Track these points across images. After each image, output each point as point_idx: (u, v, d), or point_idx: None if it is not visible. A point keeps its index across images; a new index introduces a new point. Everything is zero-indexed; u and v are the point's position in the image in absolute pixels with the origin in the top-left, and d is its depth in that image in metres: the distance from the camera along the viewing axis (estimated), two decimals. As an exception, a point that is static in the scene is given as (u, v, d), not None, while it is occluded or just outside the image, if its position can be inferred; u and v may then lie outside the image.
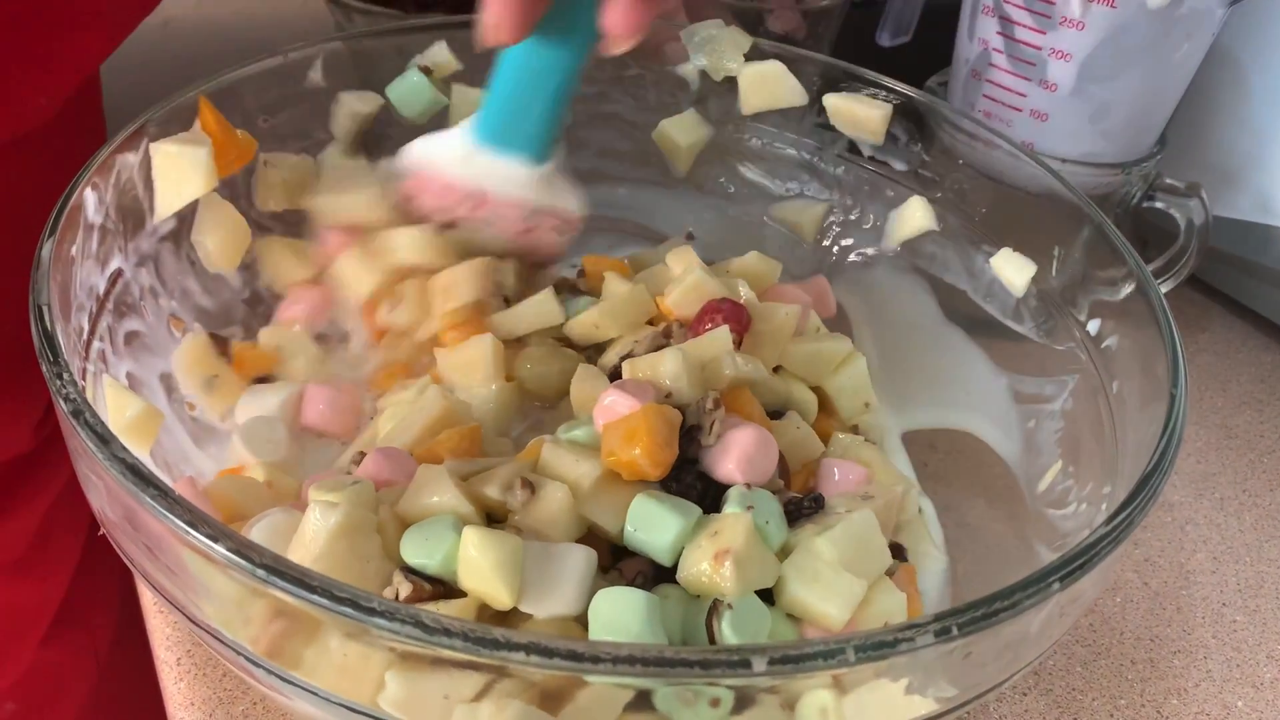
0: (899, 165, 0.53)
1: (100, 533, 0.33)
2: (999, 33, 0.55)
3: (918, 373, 0.51)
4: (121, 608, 0.64)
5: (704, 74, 0.54)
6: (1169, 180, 0.58)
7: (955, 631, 0.27)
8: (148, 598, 0.45)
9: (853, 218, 0.56)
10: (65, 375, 0.30)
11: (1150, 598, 0.50)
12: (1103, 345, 0.43)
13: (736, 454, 0.38)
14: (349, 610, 0.25)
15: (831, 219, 0.56)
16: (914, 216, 0.53)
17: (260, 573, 0.26)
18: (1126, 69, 0.53)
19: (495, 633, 0.26)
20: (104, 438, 0.28)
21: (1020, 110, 0.56)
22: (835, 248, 0.56)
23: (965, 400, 0.50)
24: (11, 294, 0.50)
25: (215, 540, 0.26)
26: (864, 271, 0.55)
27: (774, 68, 0.52)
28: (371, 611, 0.25)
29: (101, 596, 0.63)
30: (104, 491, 0.30)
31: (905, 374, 0.51)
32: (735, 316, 0.44)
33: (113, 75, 0.63)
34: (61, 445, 0.58)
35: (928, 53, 0.63)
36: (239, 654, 0.29)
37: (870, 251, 0.55)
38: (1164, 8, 0.50)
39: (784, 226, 0.57)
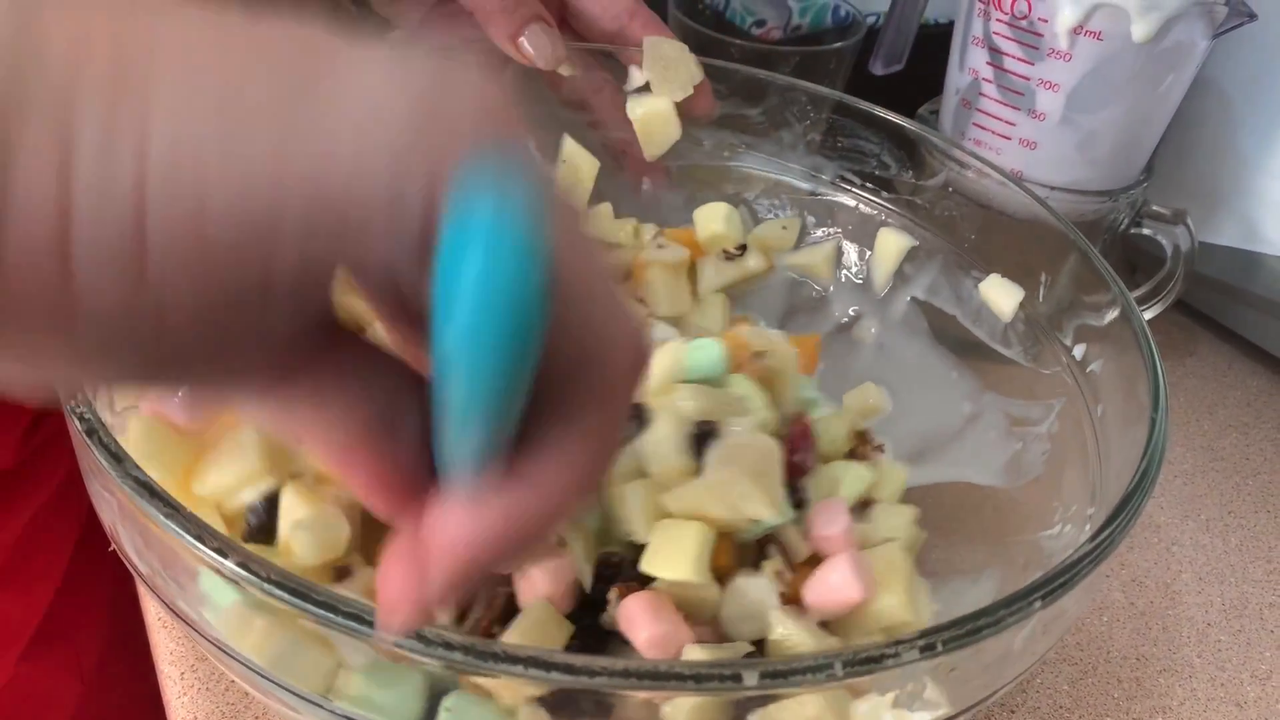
0: (890, 192, 0.55)
1: (109, 548, 0.34)
2: (989, 63, 0.56)
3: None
4: (110, 626, 0.65)
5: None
6: (1156, 207, 0.59)
7: (940, 648, 0.28)
8: (151, 613, 0.46)
9: (846, 249, 0.57)
10: (78, 394, 0.31)
11: (1136, 617, 0.51)
12: (1088, 370, 0.44)
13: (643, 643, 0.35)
14: (353, 624, 0.26)
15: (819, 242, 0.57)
16: (889, 247, 0.54)
17: (267, 586, 0.27)
18: (1113, 99, 0.54)
19: (495, 646, 0.26)
20: (117, 456, 0.29)
21: (1010, 139, 0.57)
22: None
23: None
24: None
25: (224, 555, 0.27)
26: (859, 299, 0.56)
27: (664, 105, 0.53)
28: (374, 625, 0.26)
29: (88, 614, 0.63)
30: (116, 508, 0.30)
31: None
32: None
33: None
34: (44, 462, 0.59)
35: (919, 81, 0.64)
36: (247, 668, 0.30)
37: (859, 280, 0.56)
38: (1149, 40, 0.51)
39: (797, 273, 0.57)
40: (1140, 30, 0.51)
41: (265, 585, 0.26)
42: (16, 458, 0.55)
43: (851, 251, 0.56)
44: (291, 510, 0.36)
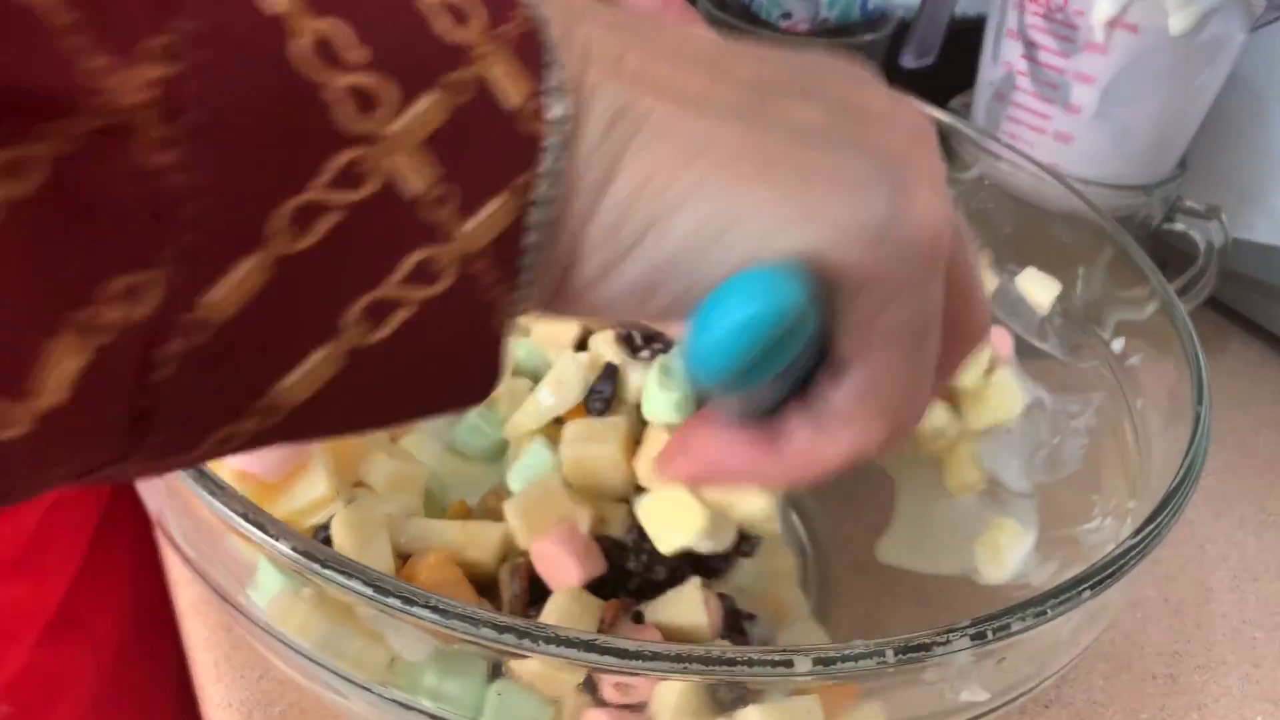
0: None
1: (154, 530, 0.34)
2: (1023, 56, 0.56)
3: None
4: (129, 614, 0.65)
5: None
6: (1189, 202, 0.59)
7: (990, 636, 0.28)
8: (184, 601, 0.46)
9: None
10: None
11: (1170, 614, 0.50)
12: (1127, 364, 0.44)
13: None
14: (400, 605, 0.26)
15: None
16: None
17: (323, 569, 0.27)
18: (1149, 93, 0.54)
19: (535, 627, 0.26)
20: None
21: (1044, 132, 0.57)
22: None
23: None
24: None
25: (277, 538, 0.27)
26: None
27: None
28: (443, 613, 0.26)
29: (105, 602, 0.63)
30: (164, 492, 0.30)
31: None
32: None
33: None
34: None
35: (949, 75, 0.64)
36: (296, 652, 0.30)
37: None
38: (1186, 34, 0.51)
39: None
40: (1177, 23, 0.51)
41: (322, 570, 0.26)
42: None
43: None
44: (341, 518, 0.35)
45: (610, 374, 0.39)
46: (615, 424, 0.38)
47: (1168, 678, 0.47)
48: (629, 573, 0.37)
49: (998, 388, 0.45)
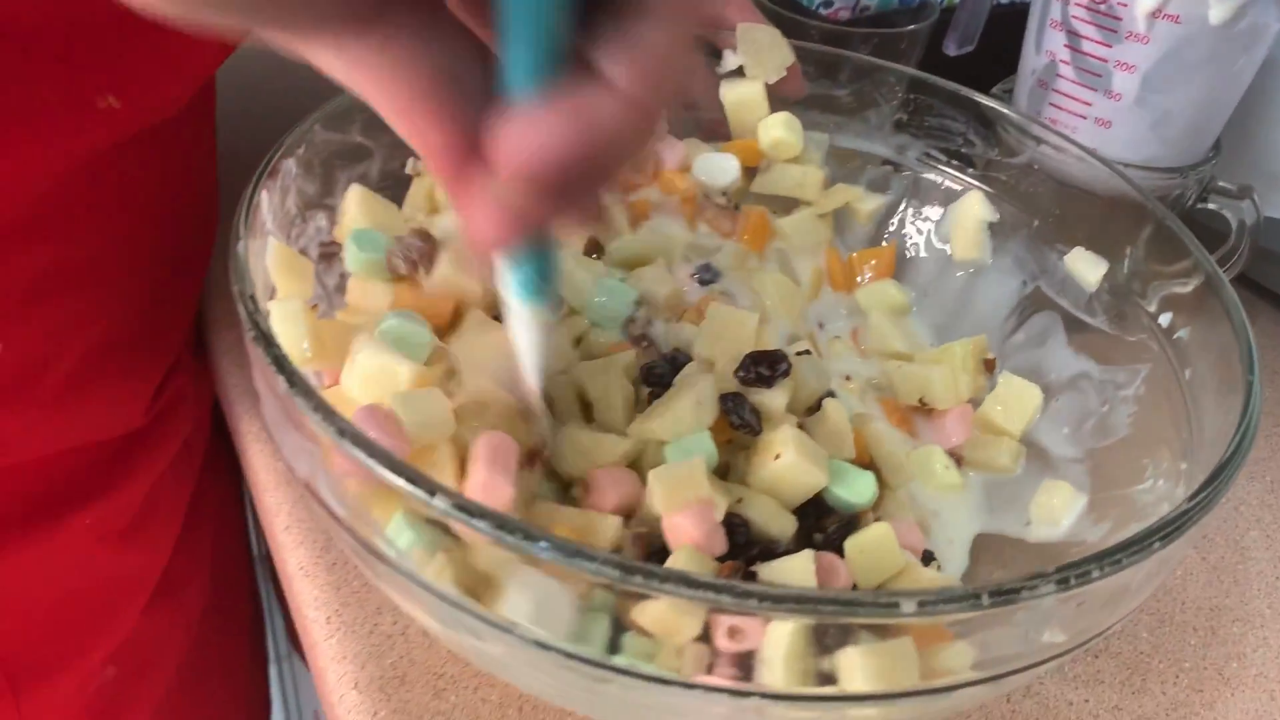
0: (974, 169, 0.57)
1: (235, 504, 0.37)
2: (1066, 45, 0.59)
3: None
4: (211, 584, 0.68)
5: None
6: (1222, 183, 0.62)
7: (1073, 582, 0.31)
8: (293, 564, 0.49)
9: (925, 217, 0.59)
10: (282, 358, 0.34)
11: (1208, 571, 0.54)
12: (1174, 336, 0.47)
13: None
14: (534, 546, 0.29)
15: (898, 216, 0.60)
16: (972, 209, 0.56)
17: (472, 520, 0.30)
18: (1187, 80, 0.57)
19: (659, 569, 0.30)
20: (331, 411, 0.32)
21: (1085, 118, 0.60)
22: (909, 246, 0.60)
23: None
24: (133, 280, 0.54)
25: (432, 494, 0.30)
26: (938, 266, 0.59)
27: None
28: (577, 554, 0.29)
29: (194, 570, 0.66)
30: (319, 458, 0.34)
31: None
32: None
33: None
34: (168, 422, 0.62)
35: (992, 60, 0.67)
36: (437, 596, 0.33)
37: (944, 249, 0.59)
38: (1225, 23, 0.54)
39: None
40: (1217, 13, 0.53)
41: (482, 525, 0.29)
42: (147, 415, 0.58)
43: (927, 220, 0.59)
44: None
45: (742, 400, 0.43)
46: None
47: (1208, 630, 0.51)
48: (750, 544, 0.40)
49: (1009, 389, 0.50)
